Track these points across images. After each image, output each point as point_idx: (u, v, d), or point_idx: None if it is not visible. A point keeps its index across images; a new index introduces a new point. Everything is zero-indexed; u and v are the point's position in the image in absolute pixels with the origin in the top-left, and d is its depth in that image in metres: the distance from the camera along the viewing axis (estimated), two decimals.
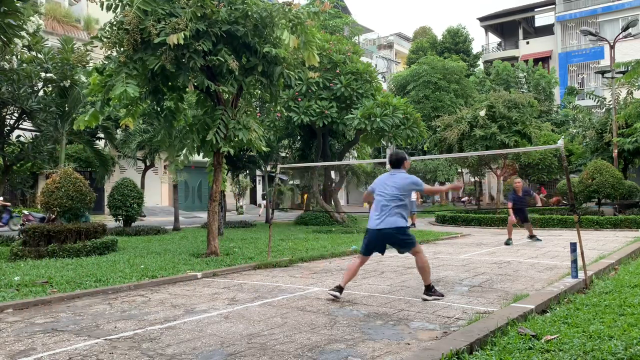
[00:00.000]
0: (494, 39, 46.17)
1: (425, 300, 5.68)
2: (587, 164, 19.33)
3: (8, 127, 13.78)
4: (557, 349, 3.62)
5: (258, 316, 5.04)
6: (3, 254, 9.80)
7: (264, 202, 28.05)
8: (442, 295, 5.80)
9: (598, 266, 7.33)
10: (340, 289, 5.79)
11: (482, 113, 20.10)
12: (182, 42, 7.59)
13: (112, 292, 6.39)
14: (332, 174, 22.91)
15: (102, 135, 18.49)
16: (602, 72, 20.92)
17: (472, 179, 37.85)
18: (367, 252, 5.92)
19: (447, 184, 7.27)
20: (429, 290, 5.79)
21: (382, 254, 6.08)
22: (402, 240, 5.74)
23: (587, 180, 16.98)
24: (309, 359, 3.72)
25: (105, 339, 4.31)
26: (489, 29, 45.00)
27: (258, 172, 26.07)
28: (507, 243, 11.61)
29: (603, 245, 10.87)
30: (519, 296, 5.52)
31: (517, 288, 6.26)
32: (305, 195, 30.30)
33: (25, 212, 14.11)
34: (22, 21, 9.79)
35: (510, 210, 11.87)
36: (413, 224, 18.09)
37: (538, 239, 11.97)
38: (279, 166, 11.07)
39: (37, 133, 14.66)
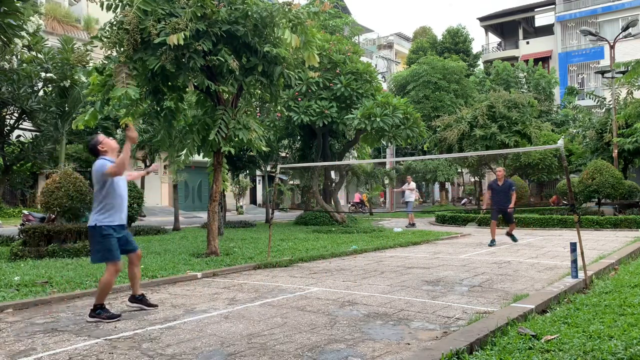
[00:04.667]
0: (494, 39, 46.17)
1: (89, 322, 4.84)
2: (587, 164, 19.32)
3: (8, 127, 13.78)
4: (557, 349, 3.62)
5: (258, 316, 5.04)
6: (3, 254, 9.80)
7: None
8: (113, 318, 4.88)
9: (598, 266, 7.33)
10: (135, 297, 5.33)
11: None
12: (182, 42, 7.59)
13: (112, 292, 6.38)
14: (332, 174, 22.90)
15: None
16: (602, 72, 20.91)
17: (472, 179, 37.87)
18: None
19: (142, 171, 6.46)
20: (95, 310, 4.91)
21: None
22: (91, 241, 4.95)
23: (587, 180, 16.98)
24: (309, 359, 3.72)
25: (105, 339, 4.31)
26: (489, 29, 45.00)
27: (258, 172, 26.04)
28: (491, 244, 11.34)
29: (603, 245, 10.87)
30: (519, 296, 5.51)
31: (517, 288, 6.26)
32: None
33: (25, 212, 14.09)
34: (22, 21, 9.80)
35: (487, 200, 11.84)
36: (412, 224, 18.09)
37: (514, 239, 11.62)
38: (279, 166, 11.07)
39: (37, 133, 14.66)
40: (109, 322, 4.82)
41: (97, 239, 4.89)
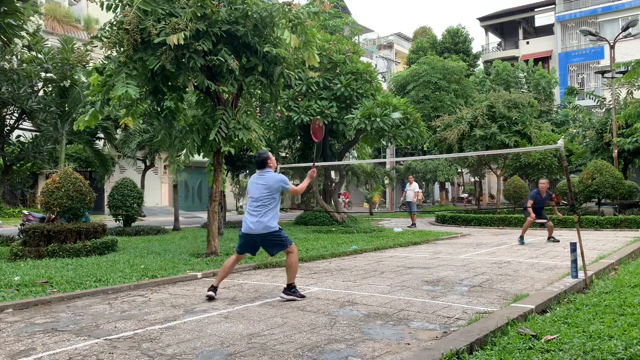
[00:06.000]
0: (494, 39, 46.15)
1: (282, 298, 5.77)
2: (587, 164, 19.33)
3: (8, 127, 13.77)
4: (557, 349, 3.62)
5: (258, 316, 5.04)
6: (3, 254, 9.80)
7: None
8: (303, 297, 5.84)
9: (598, 266, 7.33)
10: (214, 288, 5.91)
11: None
12: (182, 42, 7.59)
13: (112, 292, 6.39)
14: (332, 174, 22.88)
15: (102, 135, 18.49)
16: (602, 72, 20.91)
17: (472, 179, 37.88)
18: (241, 251, 6.04)
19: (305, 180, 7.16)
20: (290, 289, 5.85)
21: (254, 255, 6.16)
22: (271, 241, 5.79)
23: (587, 180, 16.99)
24: (309, 359, 3.72)
25: (105, 339, 4.31)
26: (489, 29, 44.98)
27: None
28: (521, 242, 11.64)
29: (603, 245, 10.87)
30: (519, 296, 5.52)
31: (517, 288, 6.26)
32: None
33: (25, 212, 14.09)
34: (22, 21, 9.79)
35: (530, 209, 11.73)
36: (414, 224, 18.10)
37: (556, 240, 11.80)
38: (279, 166, 11.06)
39: (37, 133, 14.65)
40: (300, 299, 5.72)
41: (279, 239, 5.74)
